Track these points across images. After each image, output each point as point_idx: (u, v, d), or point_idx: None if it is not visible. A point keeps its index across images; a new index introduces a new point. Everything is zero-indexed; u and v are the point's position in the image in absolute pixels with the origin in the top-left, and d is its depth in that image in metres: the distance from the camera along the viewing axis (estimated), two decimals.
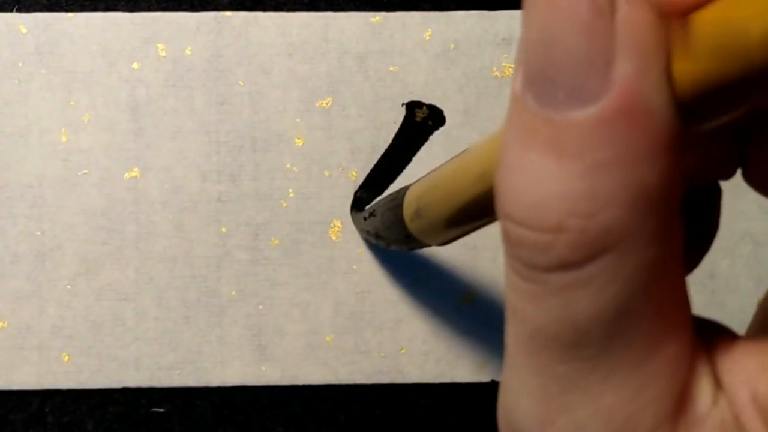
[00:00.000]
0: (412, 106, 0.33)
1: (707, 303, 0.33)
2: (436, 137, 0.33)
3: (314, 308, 0.33)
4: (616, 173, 0.13)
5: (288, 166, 0.33)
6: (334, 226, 0.33)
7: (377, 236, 0.30)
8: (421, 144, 0.33)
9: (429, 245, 0.27)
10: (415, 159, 0.33)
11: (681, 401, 0.14)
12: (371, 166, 0.33)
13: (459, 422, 0.33)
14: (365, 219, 0.31)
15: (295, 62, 0.33)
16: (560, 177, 0.14)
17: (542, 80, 0.14)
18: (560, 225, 0.14)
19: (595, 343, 0.14)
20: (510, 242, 0.15)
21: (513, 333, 0.15)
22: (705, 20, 0.13)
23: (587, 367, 0.15)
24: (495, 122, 0.33)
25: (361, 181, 0.33)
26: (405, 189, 0.27)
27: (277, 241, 0.33)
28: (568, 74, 0.13)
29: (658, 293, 0.14)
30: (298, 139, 0.33)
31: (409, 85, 0.33)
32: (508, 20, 0.33)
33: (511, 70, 0.33)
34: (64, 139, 0.33)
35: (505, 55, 0.33)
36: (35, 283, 0.33)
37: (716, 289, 0.33)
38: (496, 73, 0.33)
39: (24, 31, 0.33)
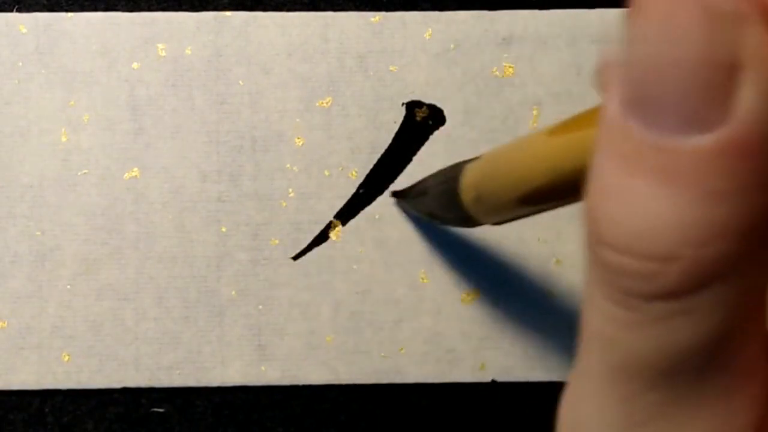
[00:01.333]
0: (412, 106, 0.33)
1: None
2: (436, 137, 0.33)
3: (314, 308, 0.33)
4: (733, 203, 0.13)
5: (288, 166, 0.33)
6: (334, 226, 0.33)
7: (431, 215, 0.30)
8: (421, 144, 0.33)
9: (486, 224, 0.27)
10: (415, 159, 0.33)
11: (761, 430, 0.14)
12: (371, 166, 0.33)
13: (459, 422, 0.33)
14: (418, 197, 0.31)
15: (295, 62, 0.33)
16: (672, 205, 0.13)
17: (651, 104, 0.13)
18: (672, 254, 0.13)
19: (691, 371, 0.14)
20: (609, 270, 0.14)
21: (598, 360, 0.15)
22: None
23: (679, 396, 0.14)
24: (495, 122, 0.33)
25: (361, 181, 0.33)
26: (456, 168, 0.27)
27: (277, 241, 0.33)
28: (684, 99, 0.13)
29: (756, 321, 0.14)
30: (298, 139, 0.33)
31: (409, 85, 0.33)
32: (508, 20, 0.33)
33: (511, 70, 0.33)
34: (64, 139, 0.33)
35: (505, 55, 0.33)
36: (35, 283, 0.33)
37: None
38: (496, 73, 0.33)
39: (24, 31, 0.33)
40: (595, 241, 0.14)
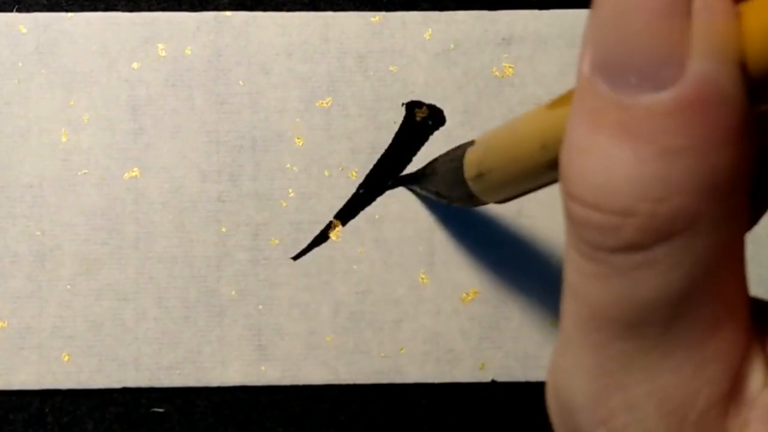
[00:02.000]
0: (412, 106, 0.33)
1: None
2: (436, 137, 0.33)
3: (314, 308, 0.33)
4: (689, 159, 0.13)
5: (288, 166, 0.33)
6: (334, 226, 0.33)
7: (438, 194, 0.31)
8: (421, 144, 0.33)
9: (489, 203, 0.27)
10: (415, 159, 0.33)
11: (734, 383, 0.15)
12: (371, 166, 0.33)
13: (459, 422, 0.33)
14: (427, 177, 0.31)
15: (295, 62, 0.33)
16: (631, 161, 0.14)
17: (614, 63, 0.14)
18: (630, 208, 0.14)
19: (657, 323, 0.14)
20: (575, 223, 0.15)
21: (572, 311, 0.16)
22: None
23: (647, 346, 0.15)
24: (495, 122, 0.33)
25: (361, 181, 0.33)
26: (463, 148, 0.27)
27: (277, 241, 0.33)
28: (643, 59, 0.13)
29: (721, 276, 0.14)
30: (298, 139, 0.33)
31: (409, 85, 0.33)
32: (508, 20, 0.33)
33: (511, 70, 0.33)
34: (64, 139, 0.33)
35: (505, 55, 0.33)
36: (35, 283, 0.33)
37: None
38: (496, 73, 0.33)
39: (24, 31, 0.33)
40: (565, 195, 0.15)
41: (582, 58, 0.14)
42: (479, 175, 0.26)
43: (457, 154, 0.28)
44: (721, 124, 0.13)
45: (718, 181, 0.13)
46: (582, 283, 0.15)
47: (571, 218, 0.15)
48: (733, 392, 0.15)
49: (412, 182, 0.33)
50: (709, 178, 0.13)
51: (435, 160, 0.31)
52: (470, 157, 0.26)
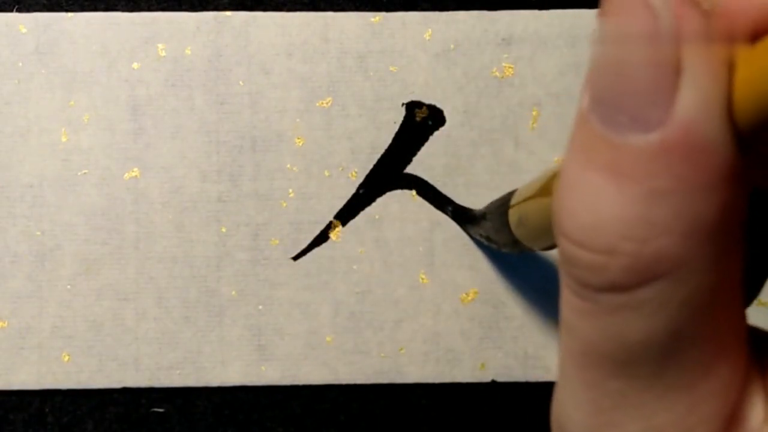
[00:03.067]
0: (412, 106, 0.33)
1: None
2: (436, 137, 0.33)
3: (314, 308, 0.33)
4: (673, 202, 0.13)
5: (288, 166, 0.33)
6: (335, 226, 0.33)
7: (488, 239, 0.30)
8: (421, 144, 0.33)
9: (535, 250, 0.27)
10: (415, 159, 0.33)
11: (733, 419, 0.15)
12: (371, 166, 0.33)
13: (459, 422, 0.33)
14: (478, 220, 0.31)
15: (295, 62, 0.33)
16: (617, 200, 0.14)
17: (608, 102, 0.14)
18: (613, 248, 0.14)
19: (647, 363, 0.14)
20: (565, 260, 0.15)
21: (567, 347, 0.16)
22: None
23: (640, 386, 0.15)
24: (495, 122, 0.33)
25: (361, 181, 0.33)
26: (512, 193, 0.27)
27: (277, 241, 0.33)
28: (633, 99, 0.14)
29: (714, 318, 0.14)
30: (298, 139, 0.33)
31: (409, 85, 0.33)
32: (508, 20, 0.33)
33: (511, 70, 0.33)
34: (64, 139, 0.33)
35: (505, 55, 0.33)
36: (35, 283, 0.33)
37: None
38: (496, 73, 0.33)
39: (24, 31, 0.33)
40: (556, 231, 0.15)
41: (582, 94, 0.14)
42: (520, 221, 0.26)
43: (506, 199, 0.27)
44: (704, 170, 0.13)
45: (702, 225, 0.14)
46: (574, 319, 0.15)
47: (561, 254, 0.15)
48: (731, 428, 0.15)
49: (466, 222, 0.33)
50: (693, 222, 0.13)
51: (489, 204, 0.31)
52: (513, 202, 0.26)
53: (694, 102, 0.13)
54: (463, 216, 0.33)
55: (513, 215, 0.26)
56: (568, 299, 0.15)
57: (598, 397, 0.15)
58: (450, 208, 0.33)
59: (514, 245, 0.27)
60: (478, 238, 0.32)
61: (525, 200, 0.25)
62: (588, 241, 0.14)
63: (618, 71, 0.14)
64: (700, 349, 0.14)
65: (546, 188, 0.23)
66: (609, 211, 0.14)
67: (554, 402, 0.17)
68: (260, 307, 0.33)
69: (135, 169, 0.33)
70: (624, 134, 0.14)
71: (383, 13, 0.33)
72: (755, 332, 0.16)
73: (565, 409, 0.16)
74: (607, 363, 0.15)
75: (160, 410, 0.33)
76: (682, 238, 0.13)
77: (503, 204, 0.28)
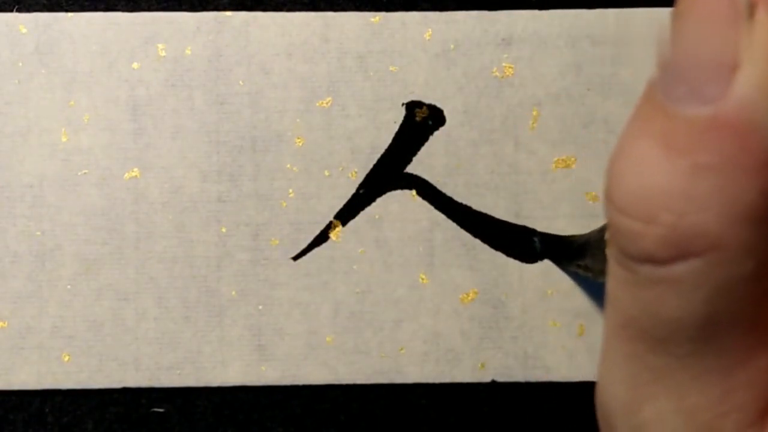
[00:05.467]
0: (412, 106, 0.33)
1: None
2: (436, 137, 0.33)
3: (314, 308, 0.33)
4: (715, 179, 0.13)
5: (288, 166, 0.33)
6: (335, 226, 0.33)
7: (586, 268, 0.30)
8: (421, 144, 0.33)
9: None
10: (415, 159, 0.33)
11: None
12: (371, 166, 0.33)
13: (459, 422, 0.33)
14: (576, 250, 0.31)
15: (295, 62, 0.33)
16: (663, 170, 0.14)
17: (671, 72, 0.14)
18: (653, 217, 0.14)
19: (683, 343, 0.14)
20: (610, 225, 0.15)
21: (609, 318, 0.16)
22: None
23: (677, 365, 0.15)
24: (495, 122, 0.33)
25: (361, 181, 0.33)
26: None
27: (277, 241, 0.33)
28: (695, 72, 0.14)
29: (754, 307, 0.14)
30: (298, 139, 0.33)
31: (409, 85, 0.33)
32: (508, 20, 0.33)
33: (511, 70, 0.33)
34: (64, 139, 0.33)
35: (505, 55, 0.33)
36: (35, 283, 0.33)
37: None
38: (496, 73, 0.33)
39: (24, 31, 0.33)
40: (604, 195, 0.15)
41: (655, 67, 0.15)
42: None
43: (606, 225, 0.27)
44: (751, 151, 0.13)
45: (742, 207, 0.14)
46: (617, 289, 0.15)
47: (607, 220, 0.15)
48: (766, 421, 0.14)
49: (563, 254, 0.32)
50: (732, 202, 0.13)
51: (590, 233, 0.30)
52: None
53: (752, 82, 0.13)
54: (553, 244, 0.32)
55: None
56: (612, 268, 0.15)
57: (637, 371, 0.15)
58: (536, 239, 0.32)
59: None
60: (573, 270, 0.32)
61: None
62: (630, 208, 0.14)
63: (685, 41, 0.14)
64: (739, 337, 0.14)
65: None
66: (653, 179, 0.14)
67: (597, 376, 0.17)
68: (260, 307, 0.33)
69: (135, 169, 0.33)
70: (681, 105, 0.14)
71: (383, 13, 0.33)
72: None
73: (605, 382, 0.16)
74: (646, 337, 0.15)
75: (160, 410, 0.33)
76: (719, 217, 0.14)
77: (602, 230, 0.27)
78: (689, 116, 0.14)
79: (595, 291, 0.33)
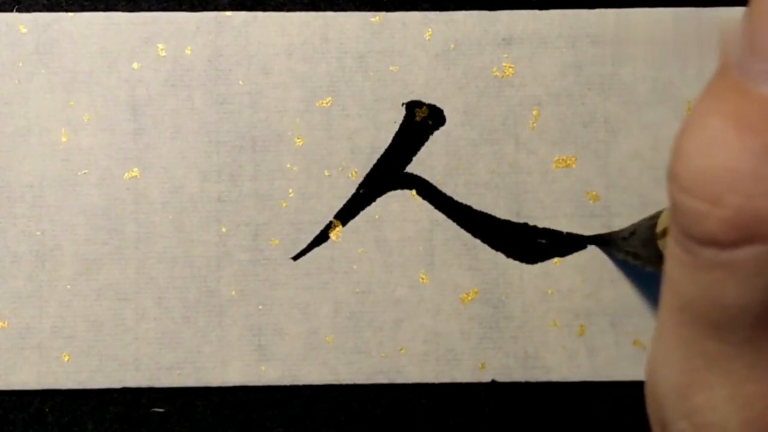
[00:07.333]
0: (412, 106, 0.33)
1: None
2: (436, 137, 0.33)
3: (314, 308, 0.33)
4: None
5: (288, 166, 0.33)
6: (335, 226, 0.33)
7: (635, 256, 0.30)
8: (421, 144, 0.33)
9: None
10: (415, 159, 0.33)
11: None
12: (371, 166, 0.33)
13: (459, 422, 0.33)
14: (625, 239, 0.30)
15: (295, 62, 0.33)
16: (733, 149, 0.13)
17: (751, 49, 0.13)
18: (719, 198, 0.13)
19: (741, 330, 0.14)
20: (672, 204, 0.14)
21: (667, 300, 0.15)
22: None
23: (732, 352, 0.14)
24: (495, 122, 0.33)
25: (361, 180, 0.33)
26: (657, 214, 0.26)
27: (277, 241, 0.33)
28: None
29: None
30: (298, 139, 0.33)
31: (409, 85, 0.33)
32: (508, 20, 0.33)
33: (511, 70, 0.33)
34: (64, 139, 0.33)
35: (505, 55, 0.33)
36: (35, 283, 0.33)
37: None
38: (496, 73, 0.33)
39: (24, 31, 0.33)
40: (668, 173, 0.14)
41: (725, 47, 0.14)
42: (664, 232, 0.25)
43: (658, 213, 0.26)
44: None
45: None
46: (675, 271, 0.15)
47: (670, 198, 0.15)
48: None
49: (611, 242, 0.32)
50: None
51: (639, 222, 0.30)
52: (663, 216, 0.25)
53: None
54: (606, 238, 0.32)
55: (660, 226, 0.25)
56: (672, 250, 0.15)
57: (690, 356, 0.15)
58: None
59: (658, 260, 0.26)
60: (621, 257, 0.32)
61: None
62: (695, 187, 0.14)
63: (763, 16, 0.13)
64: None
65: None
66: (722, 158, 0.13)
67: (648, 358, 0.16)
68: (260, 307, 0.33)
69: (135, 169, 0.33)
70: (759, 83, 0.13)
71: (383, 13, 0.33)
72: None
73: (657, 364, 0.16)
74: (703, 322, 0.14)
75: (160, 410, 0.33)
76: None
77: (653, 217, 0.27)
78: (766, 95, 0.13)
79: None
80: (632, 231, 0.30)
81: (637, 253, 0.29)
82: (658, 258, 0.26)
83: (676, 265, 0.15)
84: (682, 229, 0.14)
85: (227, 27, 0.33)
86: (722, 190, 0.13)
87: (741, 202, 0.13)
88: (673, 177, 0.14)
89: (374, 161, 0.33)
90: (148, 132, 0.33)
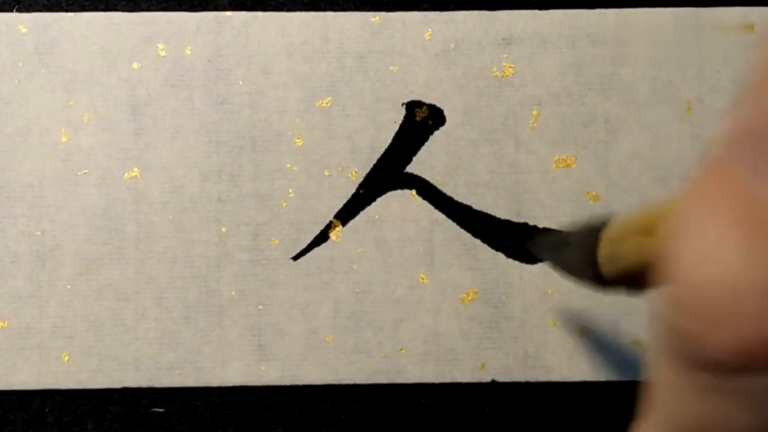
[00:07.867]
0: (412, 106, 0.33)
1: None
2: (436, 137, 0.33)
3: (314, 308, 0.33)
4: None
5: (288, 166, 0.33)
6: (335, 226, 0.33)
7: (569, 270, 0.27)
8: (421, 144, 0.33)
9: (619, 291, 0.24)
10: (415, 159, 0.33)
11: None
12: (371, 166, 0.33)
13: (459, 422, 0.33)
14: (553, 249, 0.29)
15: (295, 62, 0.33)
16: (747, 261, 0.11)
17: (761, 149, 0.11)
18: (728, 318, 0.11)
19: None
20: (665, 321, 0.12)
21: (652, 417, 0.13)
22: None
23: None
24: (495, 122, 0.33)
25: (361, 180, 0.33)
26: (600, 222, 0.24)
27: (277, 241, 0.33)
28: None
29: None
30: (298, 139, 0.33)
31: (409, 85, 0.33)
32: (508, 20, 0.33)
33: (511, 70, 0.33)
34: (64, 139, 0.33)
35: (505, 55, 0.33)
36: (35, 283, 0.33)
37: None
38: (496, 73, 0.33)
39: (24, 31, 0.33)
40: (664, 291, 0.12)
41: (718, 138, 0.12)
42: (611, 259, 0.23)
43: (594, 228, 0.24)
44: None
45: None
46: (661, 388, 0.13)
47: (662, 316, 0.12)
48: None
49: (542, 248, 0.31)
50: None
51: (571, 232, 0.28)
52: (607, 235, 0.23)
53: None
54: (535, 244, 0.31)
55: (604, 249, 0.23)
56: (659, 365, 0.13)
57: None
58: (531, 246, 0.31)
59: (598, 281, 0.24)
60: (553, 269, 0.30)
61: (621, 237, 0.22)
62: (697, 305, 0.11)
63: None
64: None
65: (649, 227, 0.20)
66: (733, 271, 0.11)
67: None
68: (260, 307, 0.33)
69: (135, 169, 0.33)
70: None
71: (383, 13, 0.33)
72: None
73: None
74: None
75: (160, 410, 0.33)
76: None
77: (591, 234, 0.25)
78: None
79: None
80: (564, 241, 0.27)
81: (571, 267, 0.27)
82: (597, 278, 0.24)
83: (663, 382, 0.13)
84: (675, 347, 0.12)
85: (227, 27, 0.33)
86: (732, 307, 0.11)
87: (756, 323, 0.11)
88: (670, 294, 0.12)
89: (374, 161, 0.33)
90: (148, 132, 0.33)
